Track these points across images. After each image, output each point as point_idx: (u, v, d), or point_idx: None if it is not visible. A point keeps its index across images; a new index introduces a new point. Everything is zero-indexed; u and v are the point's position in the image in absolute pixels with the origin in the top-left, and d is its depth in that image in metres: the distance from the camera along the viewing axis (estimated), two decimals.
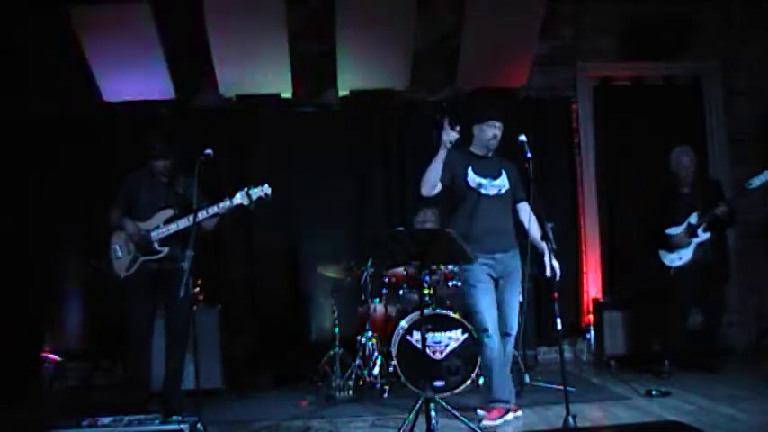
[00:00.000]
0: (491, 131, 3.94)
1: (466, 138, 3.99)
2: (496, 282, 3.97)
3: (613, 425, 3.73)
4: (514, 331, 4.02)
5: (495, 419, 3.81)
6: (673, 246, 5.07)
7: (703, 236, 5.00)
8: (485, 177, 3.95)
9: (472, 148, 4.05)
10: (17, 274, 5.48)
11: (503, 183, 4.01)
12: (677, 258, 5.06)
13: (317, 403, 4.54)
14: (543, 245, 3.89)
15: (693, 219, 5.01)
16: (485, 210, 3.91)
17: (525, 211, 4.09)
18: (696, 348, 5.21)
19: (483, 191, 3.93)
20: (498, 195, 3.98)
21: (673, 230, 5.08)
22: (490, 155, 4.03)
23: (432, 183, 3.85)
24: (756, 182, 4.73)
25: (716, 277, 5.14)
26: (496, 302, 3.93)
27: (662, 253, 5.13)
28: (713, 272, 5.10)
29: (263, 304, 5.76)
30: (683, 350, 5.11)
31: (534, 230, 4.02)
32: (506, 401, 3.90)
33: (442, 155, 3.80)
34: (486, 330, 3.88)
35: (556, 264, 3.86)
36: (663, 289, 5.17)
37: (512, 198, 4.07)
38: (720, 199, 4.99)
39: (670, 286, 5.10)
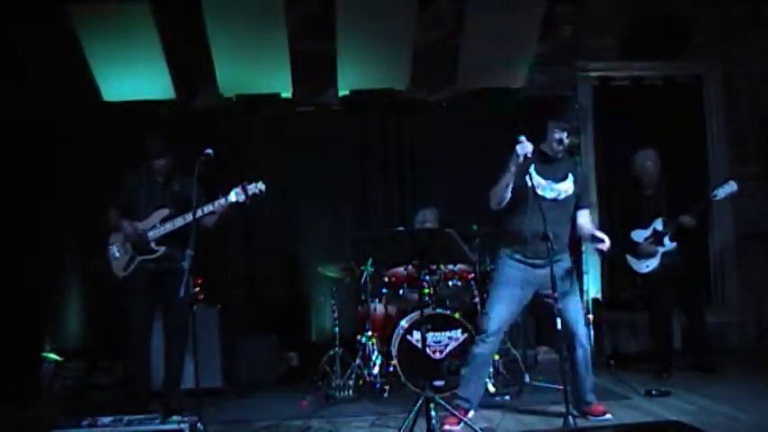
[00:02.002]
0: (557, 135, 3.83)
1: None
2: (536, 290, 3.86)
3: (613, 425, 3.72)
4: (583, 339, 3.86)
5: (456, 425, 3.73)
6: (639, 254, 5.05)
7: (669, 245, 4.96)
8: (546, 179, 3.81)
9: (542, 146, 3.89)
10: (17, 274, 5.48)
11: (565, 187, 3.87)
12: (645, 266, 5.04)
13: (317, 403, 4.54)
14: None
15: (659, 225, 4.99)
16: (538, 212, 3.64)
17: (583, 217, 3.95)
18: (687, 349, 5.23)
19: (540, 191, 3.75)
20: (556, 200, 3.82)
21: (638, 235, 5.06)
22: (560, 155, 3.88)
23: (502, 198, 3.73)
24: (721, 192, 4.72)
25: (692, 279, 5.12)
26: (558, 313, 3.59)
27: (630, 259, 5.11)
28: (687, 274, 5.08)
29: (263, 304, 5.77)
30: (671, 351, 5.10)
31: (585, 236, 3.95)
32: (471, 404, 3.86)
33: (513, 168, 3.67)
34: (484, 332, 3.85)
35: (604, 235, 3.75)
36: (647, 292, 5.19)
37: (573, 203, 3.92)
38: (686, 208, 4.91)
39: (650, 290, 5.10)
